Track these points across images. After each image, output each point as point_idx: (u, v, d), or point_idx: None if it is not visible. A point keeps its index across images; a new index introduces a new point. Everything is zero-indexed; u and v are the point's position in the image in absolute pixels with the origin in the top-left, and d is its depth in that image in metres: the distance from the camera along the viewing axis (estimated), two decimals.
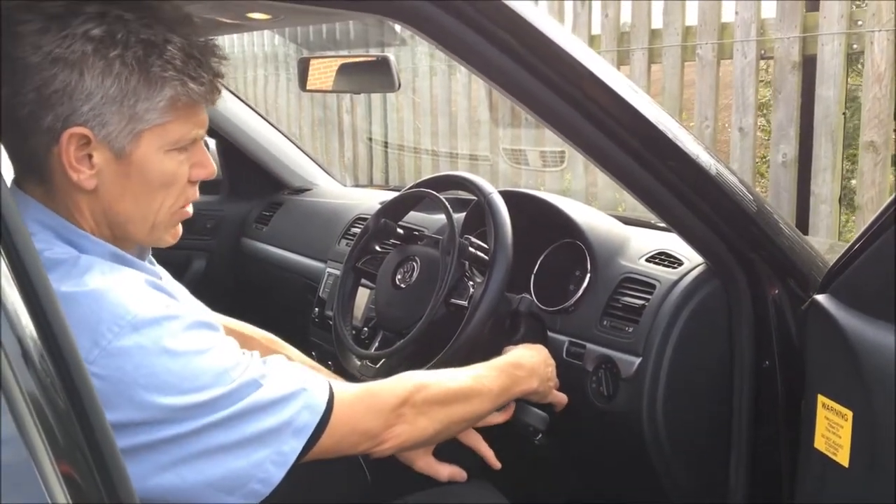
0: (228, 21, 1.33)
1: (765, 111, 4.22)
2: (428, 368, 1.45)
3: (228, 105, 2.69)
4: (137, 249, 1.10)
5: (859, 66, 3.46)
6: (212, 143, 2.75)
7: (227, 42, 6.66)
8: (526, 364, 1.36)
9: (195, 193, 1.08)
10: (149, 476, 0.92)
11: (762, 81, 3.86)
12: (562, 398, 1.45)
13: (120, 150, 0.97)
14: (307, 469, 1.52)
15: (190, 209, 1.09)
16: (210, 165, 1.07)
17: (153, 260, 1.18)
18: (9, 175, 1.02)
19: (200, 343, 0.96)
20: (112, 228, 1.03)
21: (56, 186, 0.99)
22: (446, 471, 1.31)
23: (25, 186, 1.01)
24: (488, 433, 1.37)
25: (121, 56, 0.93)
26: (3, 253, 0.67)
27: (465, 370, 1.27)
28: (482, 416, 1.28)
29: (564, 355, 1.55)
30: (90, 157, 0.97)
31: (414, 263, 1.62)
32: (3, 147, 1.01)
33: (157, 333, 0.92)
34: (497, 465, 1.37)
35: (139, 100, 0.95)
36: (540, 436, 1.45)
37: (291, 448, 0.99)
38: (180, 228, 1.10)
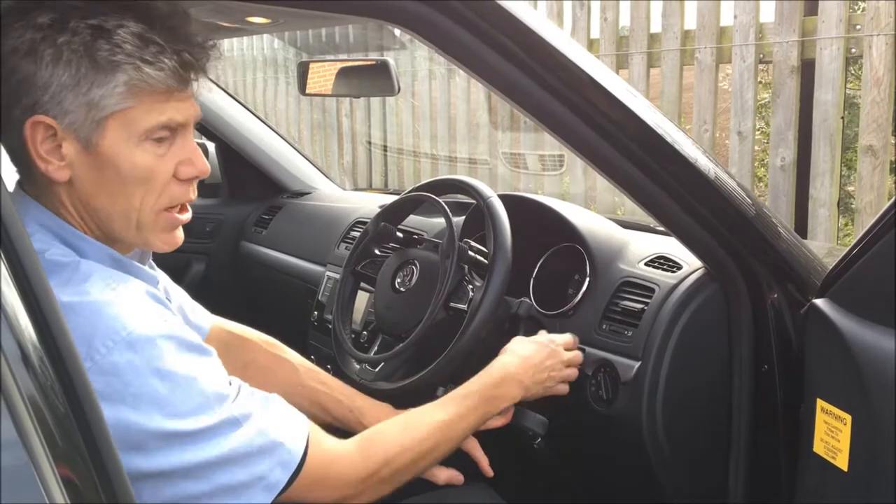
0: (228, 25, 1.33)
1: (763, 112, 4.22)
2: (427, 372, 1.45)
3: (228, 108, 2.70)
4: (137, 253, 1.09)
5: (858, 70, 3.46)
6: (211, 146, 2.75)
7: (227, 45, 6.67)
8: (509, 377, 1.34)
9: (187, 194, 1.04)
10: None
11: (761, 82, 3.86)
12: (561, 390, 1.44)
13: (87, 140, 0.96)
14: None
15: (186, 216, 1.06)
16: (200, 163, 1.03)
17: (153, 264, 1.18)
18: (9, 178, 1.03)
19: (192, 368, 0.95)
20: (99, 226, 1.02)
21: (38, 181, 1.00)
22: (444, 474, 1.31)
23: (25, 186, 1.02)
24: (487, 437, 1.37)
25: (68, 42, 0.93)
26: (2, 256, 0.67)
27: (436, 411, 1.25)
28: (450, 453, 1.27)
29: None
30: (60, 147, 0.96)
31: (413, 267, 1.62)
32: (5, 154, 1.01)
33: (151, 352, 0.92)
34: (490, 472, 1.36)
35: (93, 86, 0.94)
36: (539, 440, 1.45)
37: (260, 502, 0.99)
38: (178, 236, 1.07)
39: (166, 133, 1.00)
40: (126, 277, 1.00)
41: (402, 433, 1.19)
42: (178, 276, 2.55)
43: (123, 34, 0.94)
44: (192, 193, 1.06)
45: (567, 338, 1.46)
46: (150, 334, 0.92)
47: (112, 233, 1.03)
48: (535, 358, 1.38)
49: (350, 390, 1.46)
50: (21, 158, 0.99)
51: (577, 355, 1.46)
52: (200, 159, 1.04)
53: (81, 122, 0.95)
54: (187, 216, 1.06)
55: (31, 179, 1.01)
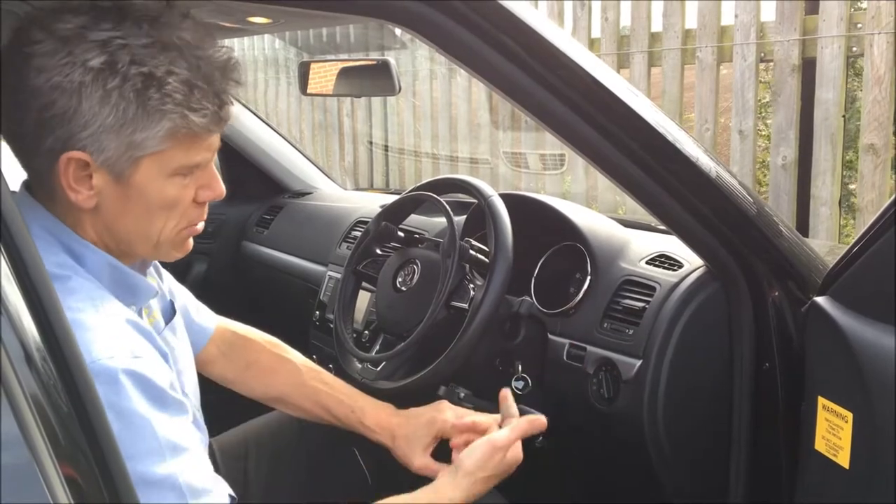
0: (229, 25, 1.33)
1: (763, 113, 4.22)
2: (428, 371, 1.46)
3: None
4: (139, 263, 1.10)
5: (859, 68, 3.46)
6: None
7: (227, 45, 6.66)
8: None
9: (203, 214, 1.07)
10: None
11: (762, 81, 3.85)
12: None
13: (119, 174, 0.97)
14: (307, 471, 1.53)
15: (200, 226, 1.08)
16: (218, 188, 1.06)
17: (159, 265, 1.19)
18: (13, 180, 1.03)
19: (151, 412, 0.93)
20: (117, 244, 1.03)
21: (59, 202, 1.00)
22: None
23: (34, 192, 1.02)
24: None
25: (119, 88, 0.92)
26: (5, 255, 0.67)
27: None
28: None
29: (565, 358, 1.55)
30: (90, 177, 0.97)
31: (415, 266, 1.62)
32: (6, 153, 1.01)
33: (111, 388, 0.89)
34: None
35: (137, 129, 0.94)
36: (540, 438, 1.45)
37: None
38: (190, 243, 1.09)
39: (193, 167, 1.02)
40: (113, 302, 0.98)
41: None
42: (179, 277, 2.54)
43: (174, 83, 0.94)
44: (206, 212, 1.08)
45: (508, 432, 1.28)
46: (114, 368, 0.90)
47: (130, 250, 1.04)
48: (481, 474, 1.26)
49: (352, 390, 1.46)
50: (41, 179, 0.99)
51: (517, 451, 1.28)
52: (218, 184, 1.06)
53: (117, 160, 0.96)
54: (201, 226, 1.08)
55: (46, 194, 1.00)
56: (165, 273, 1.27)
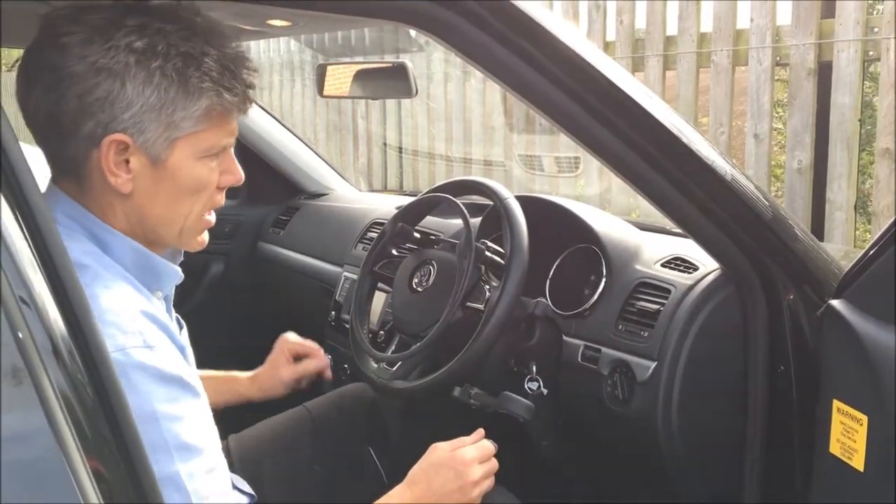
0: (250, 28, 1.35)
1: (780, 112, 4.19)
2: (443, 372, 1.47)
3: None
4: (170, 252, 1.12)
5: (875, 72, 3.45)
6: None
7: (243, 47, 6.68)
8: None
9: (221, 199, 1.10)
10: None
11: (778, 80, 3.83)
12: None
13: (156, 157, 1.00)
14: (323, 470, 1.54)
15: (213, 217, 1.11)
16: (238, 172, 1.09)
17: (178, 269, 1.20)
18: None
19: (163, 409, 0.93)
20: (145, 231, 1.05)
21: (92, 189, 1.01)
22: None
23: (59, 184, 1.04)
24: (497, 439, 1.36)
25: (161, 67, 0.96)
26: (34, 251, 0.68)
27: None
28: None
29: (580, 359, 1.55)
30: (127, 161, 0.99)
31: (430, 267, 1.63)
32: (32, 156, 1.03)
33: (122, 381, 0.86)
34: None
35: (176, 109, 0.98)
36: (545, 443, 1.46)
37: None
38: (206, 236, 1.12)
39: (221, 150, 1.06)
40: (130, 291, 0.99)
41: None
42: (196, 277, 2.56)
43: (210, 62, 0.99)
44: (223, 199, 1.11)
45: (479, 450, 1.27)
46: (124, 361, 0.90)
47: (157, 237, 1.07)
48: (446, 473, 1.25)
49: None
50: (75, 166, 1.01)
51: (491, 466, 1.27)
52: (238, 169, 1.10)
53: (155, 141, 0.99)
54: (213, 217, 1.11)
55: (77, 183, 1.02)
56: None
